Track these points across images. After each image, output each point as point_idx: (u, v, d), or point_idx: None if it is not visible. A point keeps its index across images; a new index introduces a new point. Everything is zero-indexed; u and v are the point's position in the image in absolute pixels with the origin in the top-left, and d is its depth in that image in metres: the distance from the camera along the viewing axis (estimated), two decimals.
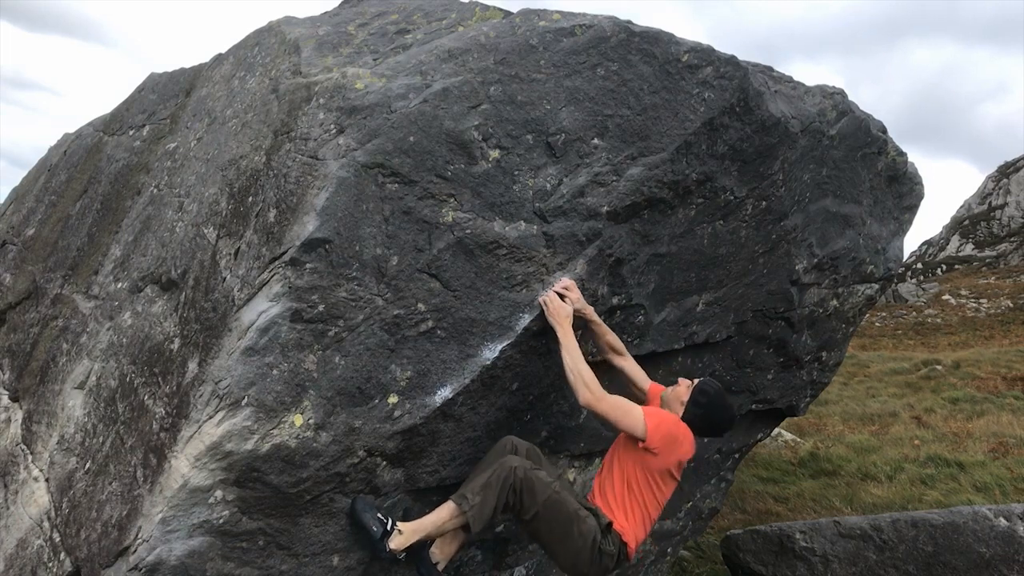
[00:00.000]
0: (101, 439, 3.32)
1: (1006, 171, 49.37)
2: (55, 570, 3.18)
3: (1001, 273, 36.64)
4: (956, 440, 9.14)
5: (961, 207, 51.63)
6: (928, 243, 52.29)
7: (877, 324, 28.26)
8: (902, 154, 5.07)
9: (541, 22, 3.31)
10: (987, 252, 43.31)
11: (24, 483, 3.74)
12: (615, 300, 3.59)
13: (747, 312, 4.38)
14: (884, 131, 4.84)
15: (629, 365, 3.57)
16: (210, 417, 2.73)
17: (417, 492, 3.25)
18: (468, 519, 2.96)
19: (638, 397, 3.52)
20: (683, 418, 3.28)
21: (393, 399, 3.00)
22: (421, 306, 3.01)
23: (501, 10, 3.58)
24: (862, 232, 4.90)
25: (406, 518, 3.10)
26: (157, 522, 2.69)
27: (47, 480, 3.58)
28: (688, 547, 6.08)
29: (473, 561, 3.81)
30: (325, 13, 3.94)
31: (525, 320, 3.22)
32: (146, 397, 3.15)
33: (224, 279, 3.02)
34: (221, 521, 2.75)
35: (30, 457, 3.83)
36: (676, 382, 3.45)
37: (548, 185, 3.25)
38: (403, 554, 2.97)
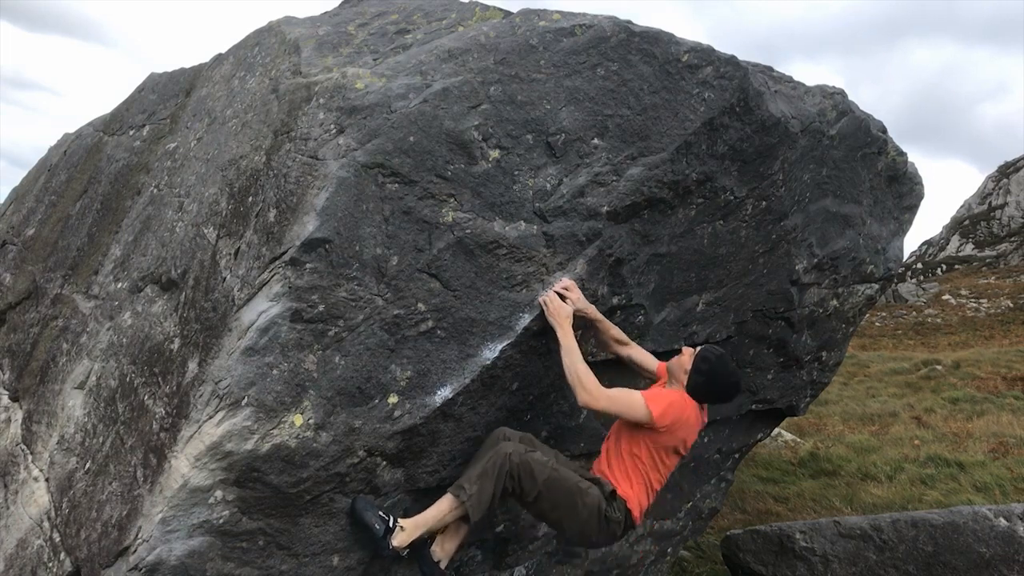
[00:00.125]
0: (101, 439, 3.32)
1: (1006, 171, 49.37)
2: (55, 570, 3.18)
3: (1001, 273, 36.64)
4: (956, 440, 9.14)
5: (961, 207, 51.64)
6: (928, 243, 52.29)
7: (877, 324, 28.26)
8: (902, 154, 5.07)
9: (541, 22, 3.31)
10: (987, 252, 43.31)
11: (24, 483, 3.74)
12: (615, 300, 3.59)
13: (747, 312, 4.38)
14: (884, 131, 4.84)
15: (636, 353, 3.60)
16: (210, 417, 2.73)
17: (417, 492, 3.25)
18: (467, 509, 2.98)
19: (650, 381, 3.55)
20: (687, 386, 3.32)
21: (393, 399, 3.00)
22: (421, 306, 3.01)
23: (501, 10, 3.58)
24: (862, 232, 4.89)
25: (406, 516, 3.11)
26: (157, 522, 2.69)
27: (47, 480, 3.58)
28: (688, 547, 6.08)
29: (473, 561, 3.81)
30: (325, 13, 3.94)
31: (525, 320, 3.22)
32: (146, 397, 3.15)
33: (224, 279, 3.02)
34: (221, 521, 2.75)
35: (30, 457, 3.83)
36: (680, 351, 3.48)
37: (548, 185, 3.25)
38: (406, 551, 2.98)
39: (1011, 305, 28.56)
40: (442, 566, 3.11)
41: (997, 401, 11.40)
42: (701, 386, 3.31)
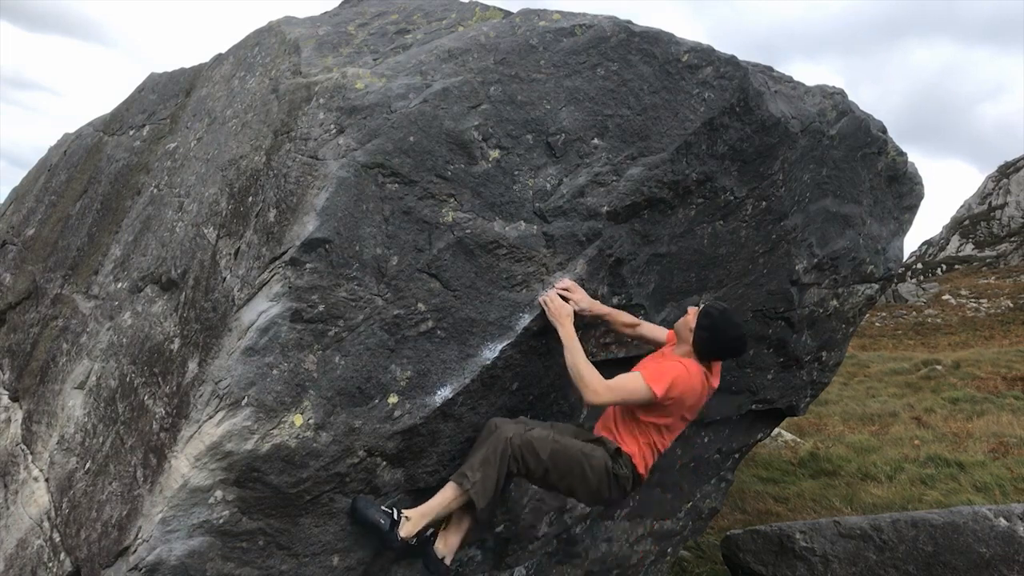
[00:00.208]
0: (101, 439, 3.32)
1: (1006, 171, 49.37)
2: (55, 570, 3.18)
3: (1001, 273, 36.64)
4: (956, 440, 9.14)
5: (961, 207, 51.63)
6: (928, 243, 52.28)
7: (877, 324, 28.26)
8: (902, 154, 5.07)
9: (541, 22, 3.31)
10: (987, 252, 43.31)
11: (24, 483, 3.74)
12: (615, 300, 3.60)
13: (747, 312, 4.38)
14: (884, 131, 4.85)
15: (646, 329, 3.60)
16: (210, 417, 2.73)
17: (417, 492, 3.25)
18: (472, 496, 2.99)
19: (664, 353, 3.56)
20: (693, 344, 3.30)
21: (393, 399, 3.00)
22: (421, 306, 3.01)
23: (501, 10, 3.58)
24: (862, 232, 4.90)
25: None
26: (157, 522, 2.69)
27: (47, 480, 3.58)
28: (688, 547, 6.08)
29: (473, 561, 3.81)
30: (325, 13, 3.94)
31: (525, 320, 3.22)
32: (146, 397, 3.15)
33: (224, 279, 3.02)
34: (221, 521, 2.75)
35: (30, 457, 3.83)
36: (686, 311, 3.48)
37: (548, 185, 3.25)
38: (414, 539, 3.00)
39: (1011, 305, 28.57)
40: (447, 562, 3.11)
41: (997, 401, 11.41)
42: (706, 342, 3.29)
